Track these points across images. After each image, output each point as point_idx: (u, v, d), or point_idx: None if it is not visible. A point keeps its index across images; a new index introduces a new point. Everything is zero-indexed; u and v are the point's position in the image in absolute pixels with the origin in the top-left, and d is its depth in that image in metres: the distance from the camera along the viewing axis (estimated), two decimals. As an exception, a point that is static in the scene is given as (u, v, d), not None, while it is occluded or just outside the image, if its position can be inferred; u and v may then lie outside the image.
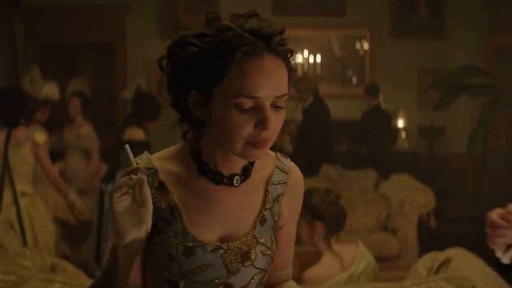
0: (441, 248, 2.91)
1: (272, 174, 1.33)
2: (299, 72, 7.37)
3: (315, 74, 7.37)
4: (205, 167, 1.26)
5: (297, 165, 1.41)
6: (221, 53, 1.14)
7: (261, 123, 1.16)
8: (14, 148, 3.89)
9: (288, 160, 1.37)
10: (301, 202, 1.39)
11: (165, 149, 1.33)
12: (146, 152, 1.31)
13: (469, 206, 7.15)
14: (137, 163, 1.22)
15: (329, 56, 7.54)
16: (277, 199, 1.32)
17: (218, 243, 1.26)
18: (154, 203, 1.23)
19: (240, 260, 1.27)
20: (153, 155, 1.30)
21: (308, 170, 5.98)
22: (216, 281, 1.26)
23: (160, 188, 1.26)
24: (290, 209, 1.36)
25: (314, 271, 2.84)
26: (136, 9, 7.39)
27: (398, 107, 7.13)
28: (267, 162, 1.33)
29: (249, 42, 1.15)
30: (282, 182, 1.33)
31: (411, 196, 5.24)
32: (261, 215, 1.30)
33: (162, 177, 1.27)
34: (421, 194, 5.25)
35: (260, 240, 1.29)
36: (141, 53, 7.16)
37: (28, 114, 3.99)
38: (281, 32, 1.19)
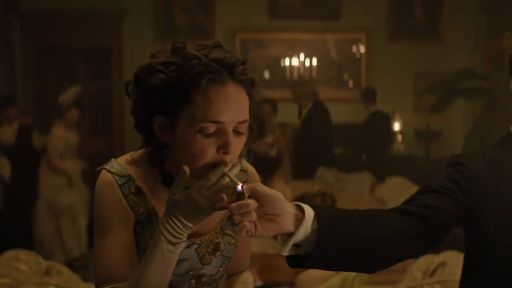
0: (436, 251, 2.92)
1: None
2: (295, 76, 7.38)
3: (311, 77, 7.36)
4: (168, 179, 1.32)
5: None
6: (186, 80, 1.21)
7: (223, 147, 1.23)
8: None
9: (244, 160, 1.45)
10: None
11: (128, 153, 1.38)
12: (112, 159, 1.36)
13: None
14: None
15: (325, 60, 7.54)
16: None
17: (192, 239, 1.35)
18: (132, 207, 1.31)
19: (211, 252, 1.38)
20: (119, 159, 1.35)
21: (304, 173, 6.00)
22: (190, 272, 1.37)
23: (137, 193, 1.33)
24: None
25: (308, 274, 2.84)
26: (133, 14, 7.39)
27: (394, 111, 7.13)
28: None
29: (214, 70, 1.22)
30: (244, 180, 1.40)
31: (407, 199, 5.23)
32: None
33: (138, 183, 1.33)
34: (417, 197, 5.24)
35: (226, 231, 1.40)
36: (138, 57, 7.10)
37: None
38: (243, 63, 1.26)
